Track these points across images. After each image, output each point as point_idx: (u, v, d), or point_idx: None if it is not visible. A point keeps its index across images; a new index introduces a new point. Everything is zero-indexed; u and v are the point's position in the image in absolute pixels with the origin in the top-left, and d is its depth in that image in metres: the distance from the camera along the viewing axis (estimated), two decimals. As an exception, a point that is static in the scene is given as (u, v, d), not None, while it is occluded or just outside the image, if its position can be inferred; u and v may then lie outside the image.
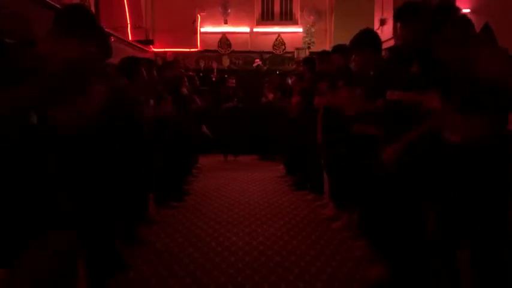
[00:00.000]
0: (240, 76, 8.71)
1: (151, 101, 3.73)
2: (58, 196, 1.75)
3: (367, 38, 2.87)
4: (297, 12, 9.01)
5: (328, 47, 8.02)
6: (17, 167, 1.60)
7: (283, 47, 8.88)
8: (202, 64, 8.77)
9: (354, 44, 2.90)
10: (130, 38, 7.34)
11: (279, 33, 8.89)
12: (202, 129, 6.41)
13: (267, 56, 8.87)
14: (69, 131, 1.86)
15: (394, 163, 2.28)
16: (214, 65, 8.75)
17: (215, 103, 7.66)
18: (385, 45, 3.57)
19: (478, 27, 2.08)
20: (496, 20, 2.11)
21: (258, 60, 8.75)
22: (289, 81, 6.95)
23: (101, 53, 2.24)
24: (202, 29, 8.83)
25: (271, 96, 7.66)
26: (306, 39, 8.70)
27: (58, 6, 3.85)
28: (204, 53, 8.84)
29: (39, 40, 1.86)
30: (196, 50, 8.82)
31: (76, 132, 1.92)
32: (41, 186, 1.68)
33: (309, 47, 8.62)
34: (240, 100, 8.30)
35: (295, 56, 8.69)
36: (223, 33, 8.84)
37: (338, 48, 3.80)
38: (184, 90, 5.04)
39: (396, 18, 2.46)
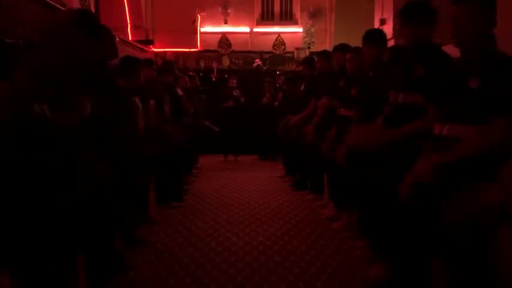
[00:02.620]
0: (240, 76, 8.72)
1: (152, 102, 3.73)
2: (57, 195, 1.75)
3: (380, 35, 2.94)
4: (297, 12, 9.01)
5: (328, 47, 8.02)
6: (16, 161, 1.62)
7: (283, 47, 8.88)
8: (202, 64, 8.77)
9: (369, 37, 2.93)
10: (130, 38, 7.35)
11: (279, 33, 8.88)
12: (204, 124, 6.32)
13: (267, 56, 8.87)
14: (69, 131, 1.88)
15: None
16: (214, 65, 8.74)
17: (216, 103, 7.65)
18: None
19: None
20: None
21: (258, 60, 8.75)
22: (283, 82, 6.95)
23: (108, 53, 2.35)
24: (202, 29, 8.83)
25: (268, 96, 7.68)
26: (306, 39, 8.70)
27: (59, 6, 3.85)
28: (204, 53, 8.84)
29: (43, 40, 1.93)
30: (196, 50, 8.82)
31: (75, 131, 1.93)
32: (40, 184, 1.69)
33: (309, 47, 8.63)
34: (240, 100, 8.29)
35: (295, 56, 8.69)
36: (223, 33, 8.84)
37: (340, 47, 3.80)
38: (179, 91, 5.03)
39: (399, 18, 2.46)
